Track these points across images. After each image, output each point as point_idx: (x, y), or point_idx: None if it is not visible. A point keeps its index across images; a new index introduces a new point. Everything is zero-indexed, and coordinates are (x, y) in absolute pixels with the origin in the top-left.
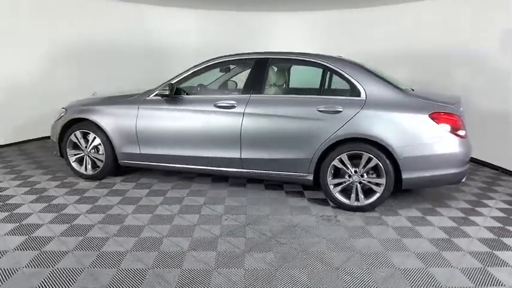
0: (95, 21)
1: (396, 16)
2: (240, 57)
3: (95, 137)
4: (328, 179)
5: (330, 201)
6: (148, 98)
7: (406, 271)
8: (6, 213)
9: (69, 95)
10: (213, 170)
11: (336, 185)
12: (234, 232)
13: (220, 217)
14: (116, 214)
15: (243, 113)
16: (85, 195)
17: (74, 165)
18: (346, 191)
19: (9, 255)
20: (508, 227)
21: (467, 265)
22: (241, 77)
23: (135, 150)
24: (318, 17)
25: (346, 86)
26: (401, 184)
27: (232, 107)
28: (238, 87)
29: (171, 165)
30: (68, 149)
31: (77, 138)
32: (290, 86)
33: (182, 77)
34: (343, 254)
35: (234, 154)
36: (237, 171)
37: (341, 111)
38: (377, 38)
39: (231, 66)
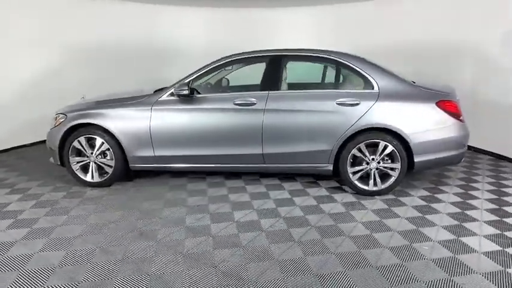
0: (103, 22)
1: (396, 11)
2: (254, 55)
3: (102, 142)
4: (348, 168)
5: (350, 188)
6: (161, 98)
7: (444, 242)
8: (26, 229)
9: (77, 96)
10: (234, 167)
11: (354, 173)
12: (295, 223)
13: (275, 210)
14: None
15: (264, 110)
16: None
17: (78, 173)
18: (362, 178)
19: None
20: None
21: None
22: (236, 75)
23: (148, 153)
24: (324, 11)
25: (357, 80)
26: (413, 167)
27: (253, 104)
28: (250, 85)
29: (189, 165)
30: (70, 157)
31: (81, 145)
32: (305, 82)
33: (196, 75)
34: (385, 234)
35: (255, 150)
36: (259, 167)
37: (358, 104)
38: (378, 32)
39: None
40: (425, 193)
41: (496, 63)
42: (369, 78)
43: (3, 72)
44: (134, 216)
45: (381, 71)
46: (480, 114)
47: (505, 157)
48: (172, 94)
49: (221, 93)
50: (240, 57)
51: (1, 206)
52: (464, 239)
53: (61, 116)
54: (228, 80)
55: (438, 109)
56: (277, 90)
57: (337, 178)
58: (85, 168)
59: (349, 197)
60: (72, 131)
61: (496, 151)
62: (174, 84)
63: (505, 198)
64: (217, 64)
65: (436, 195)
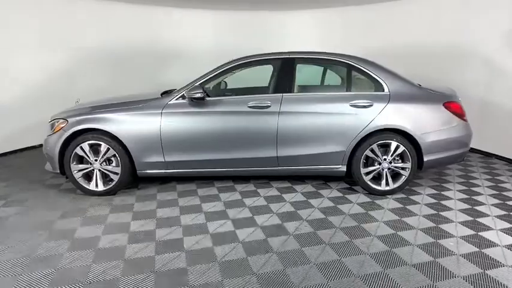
0: (110, 25)
1: (403, 13)
2: (266, 57)
3: (108, 148)
4: (361, 169)
5: (362, 189)
6: (171, 101)
7: (466, 237)
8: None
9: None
10: (247, 170)
11: (367, 174)
12: (319, 225)
13: (295, 213)
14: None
15: (279, 112)
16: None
17: (81, 181)
18: (374, 178)
19: None
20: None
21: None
22: (235, 77)
23: (158, 158)
24: (331, 14)
25: (368, 82)
26: (421, 167)
27: (267, 106)
28: (260, 87)
29: (200, 170)
30: (72, 164)
31: (84, 151)
32: (316, 84)
33: (207, 78)
34: (410, 233)
35: (270, 153)
36: (273, 170)
37: (371, 105)
38: (381, 34)
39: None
40: (432, 191)
41: (480, 63)
42: (380, 80)
43: (12, 73)
44: (153, 225)
45: (390, 74)
46: (468, 114)
47: (494, 154)
48: (183, 97)
49: (233, 95)
50: (251, 60)
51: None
52: (484, 234)
53: (61, 121)
54: (225, 83)
55: (445, 110)
56: (291, 92)
57: (348, 179)
58: (87, 176)
59: (363, 198)
60: (74, 137)
61: (484, 149)
62: (184, 87)
63: (505, 193)
64: (229, 66)
65: (442, 192)
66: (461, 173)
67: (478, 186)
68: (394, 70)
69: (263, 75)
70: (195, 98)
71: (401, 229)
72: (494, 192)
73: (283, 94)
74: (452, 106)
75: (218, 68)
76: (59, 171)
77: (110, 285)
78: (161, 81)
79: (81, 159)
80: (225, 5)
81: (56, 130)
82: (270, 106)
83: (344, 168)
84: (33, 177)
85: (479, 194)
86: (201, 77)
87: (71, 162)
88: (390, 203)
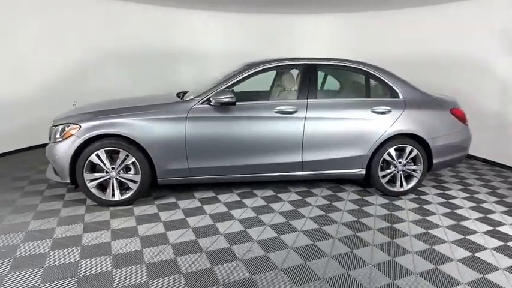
0: (121, 26)
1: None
2: (288, 62)
3: (127, 155)
4: (379, 172)
5: (378, 191)
6: (196, 106)
7: (490, 233)
8: None
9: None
10: (271, 176)
11: (383, 176)
12: (356, 227)
13: (327, 217)
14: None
15: (305, 118)
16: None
17: (95, 192)
18: (389, 180)
19: None
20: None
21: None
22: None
23: (182, 165)
24: (344, 19)
25: (384, 89)
26: (430, 168)
27: (294, 112)
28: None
29: (224, 176)
30: (85, 173)
31: (100, 159)
32: (337, 90)
33: (233, 82)
34: (439, 231)
35: (295, 158)
36: (297, 175)
37: (390, 111)
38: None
39: None
40: (437, 191)
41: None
42: (394, 88)
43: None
44: (192, 235)
45: (403, 81)
46: None
47: (474, 156)
48: (208, 101)
49: (259, 101)
50: (275, 64)
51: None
52: (500, 228)
53: (72, 126)
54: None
55: (451, 116)
56: (315, 98)
57: (363, 182)
58: (100, 186)
59: (380, 199)
60: (86, 144)
61: None
62: (208, 90)
63: (499, 191)
64: (254, 70)
65: (446, 192)
66: (452, 173)
67: (472, 185)
68: (404, 78)
69: (261, 79)
70: (225, 103)
71: (430, 228)
72: (489, 190)
73: (308, 100)
74: (457, 112)
75: (242, 72)
76: (68, 181)
77: None
78: (171, 82)
79: (93, 168)
80: (236, 8)
81: (66, 136)
82: (296, 111)
83: (363, 172)
84: (25, 185)
85: (478, 192)
86: (226, 80)
87: (84, 170)
88: (407, 203)
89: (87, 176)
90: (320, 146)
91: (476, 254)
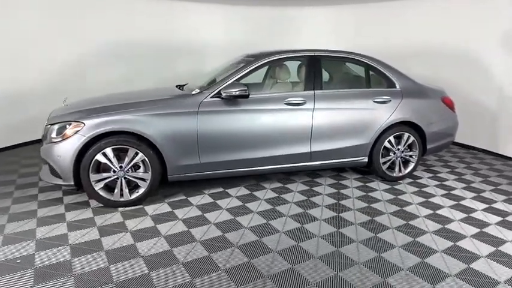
0: (128, 20)
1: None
2: (293, 54)
3: (136, 153)
4: (380, 158)
5: (378, 176)
6: (206, 99)
7: (489, 210)
8: None
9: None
10: (282, 167)
11: (384, 163)
12: (370, 212)
13: (340, 205)
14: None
15: (313, 109)
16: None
17: (102, 192)
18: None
19: None
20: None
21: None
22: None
23: (194, 160)
24: (342, 11)
25: (382, 80)
26: (424, 153)
27: (303, 103)
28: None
29: (235, 170)
30: (91, 174)
31: (107, 158)
32: (338, 81)
33: (242, 74)
34: (445, 211)
35: (304, 149)
36: (305, 165)
37: (390, 101)
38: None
39: None
40: (429, 174)
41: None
42: (392, 78)
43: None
44: (217, 231)
45: (398, 72)
46: None
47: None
48: (218, 94)
49: (270, 93)
50: (281, 56)
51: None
52: (496, 205)
53: (74, 123)
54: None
55: (442, 104)
56: (321, 89)
57: (362, 169)
58: (106, 187)
59: (382, 185)
60: (91, 143)
61: None
62: (217, 83)
63: (481, 172)
64: (260, 63)
65: (437, 175)
66: (435, 158)
67: (457, 167)
68: (397, 69)
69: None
70: (238, 96)
71: (436, 208)
72: (473, 171)
73: (315, 91)
74: (447, 100)
75: (249, 64)
76: (72, 183)
77: None
78: (169, 75)
79: (97, 168)
80: (240, 1)
81: (68, 135)
82: (305, 103)
83: (366, 159)
84: (12, 190)
85: (464, 174)
86: (234, 73)
87: (90, 171)
88: (407, 187)
89: (94, 177)
90: (327, 136)
91: (484, 230)
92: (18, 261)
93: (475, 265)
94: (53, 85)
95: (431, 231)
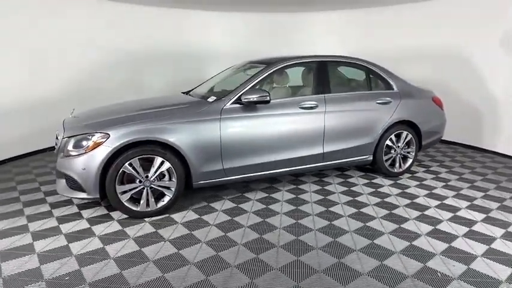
0: (136, 26)
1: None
2: (305, 60)
3: (162, 161)
4: (383, 156)
5: (382, 173)
6: (227, 106)
7: (486, 197)
8: None
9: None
10: (297, 169)
11: (386, 160)
12: (386, 206)
13: (356, 201)
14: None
15: (325, 111)
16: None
17: (128, 204)
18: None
19: None
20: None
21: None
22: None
23: (217, 166)
24: (348, 15)
25: (381, 82)
26: (419, 149)
27: (316, 106)
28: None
29: (255, 174)
30: (117, 185)
31: (134, 168)
32: (344, 85)
33: (258, 80)
34: (453, 200)
35: (317, 150)
36: (318, 166)
37: (391, 102)
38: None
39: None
40: (423, 169)
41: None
42: (389, 81)
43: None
44: (253, 234)
45: (395, 75)
46: None
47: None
48: (238, 101)
49: (286, 98)
50: (294, 62)
51: None
52: (490, 193)
53: (98, 135)
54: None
55: (433, 103)
56: (330, 93)
57: (366, 167)
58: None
59: (386, 181)
60: (117, 154)
61: None
62: (236, 90)
63: (466, 164)
64: (274, 68)
65: (430, 169)
66: (426, 157)
67: (443, 161)
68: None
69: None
70: (259, 102)
71: (441, 199)
72: (459, 164)
73: (325, 95)
74: (437, 100)
75: (264, 70)
76: (97, 196)
77: None
78: (176, 82)
79: (121, 179)
80: (245, 7)
81: (91, 147)
82: (317, 106)
83: (371, 157)
84: (22, 208)
85: (452, 167)
86: (250, 79)
87: (116, 182)
88: (409, 181)
89: (119, 188)
90: (338, 137)
91: (489, 215)
92: (66, 278)
93: (494, 245)
94: (69, 92)
95: (446, 219)
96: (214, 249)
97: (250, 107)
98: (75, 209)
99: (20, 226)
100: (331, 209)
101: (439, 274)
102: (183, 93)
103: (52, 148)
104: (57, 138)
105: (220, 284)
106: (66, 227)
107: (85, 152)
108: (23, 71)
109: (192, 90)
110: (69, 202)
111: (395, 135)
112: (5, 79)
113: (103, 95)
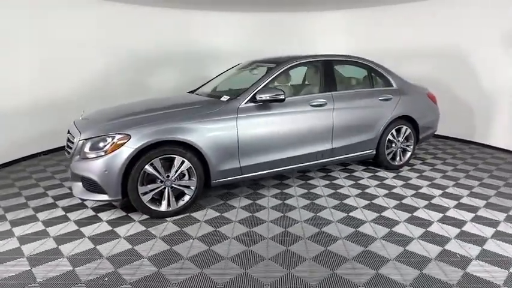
0: (142, 28)
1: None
2: (312, 59)
3: (182, 161)
4: (385, 150)
5: (384, 166)
6: (242, 105)
7: (483, 184)
8: None
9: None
10: (308, 165)
11: (388, 154)
12: (394, 197)
13: (366, 194)
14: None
15: (333, 109)
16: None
17: (150, 205)
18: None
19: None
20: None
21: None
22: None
23: (234, 164)
24: (352, 15)
25: (381, 80)
26: (417, 143)
27: (325, 104)
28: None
29: (269, 171)
30: (139, 186)
31: (156, 168)
32: (348, 82)
33: (271, 78)
34: (451, 189)
35: (327, 146)
36: (327, 161)
37: (392, 98)
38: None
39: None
40: (419, 161)
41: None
42: (389, 78)
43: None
44: (276, 229)
45: (393, 73)
46: None
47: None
48: (253, 99)
49: (296, 96)
50: (302, 61)
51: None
52: (485, 181)
53: (118, 136)
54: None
55: (428, 99)
56: (336, 90)
57: (368, 161)
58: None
59: (388, 173)
60: (138, 155)
61: None
62: (250, 88)
63: (458, 155)
64: (284, 68)
65: (426, 161)
66: (421, 150)
67: (437, 153)
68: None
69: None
70: (274, 100)
71: (443, 188)
72: (450, 156)
73: (333, 92)
74: (431, 95)
75: (275, 69)
76: (120, 197)
77: None
78: (184, 82)
79: (142, 179)
80: (245, 7)
81: (111, 149)
82: (326, 104)
83: (374, 152)
84: (34, 213)
85: (445, 158)
86: (263, 78)
87: (138, 183)
88: (410, 173)
89: (141, 189)
90: (345, 132)
91: (489, 201)
92: (106, 279)
93: (500, 228)
94: (83, 93)
95: (452, 206)
96: (244, 244)
97: (264, 105)
98: (91, 212)
99: (40, 231)
100: (345, 201)
101: (458, 256)
102: (189, 92)
103: (46, 152)
104: (69, 140)
105: (261, 277)
106: (88, 230)
107: (105, 154)
108: (33, 72)
109: (198, 89)
110: (82, 205)
111: (396, 130)
112: (14, 80)
113: (111, 96)
